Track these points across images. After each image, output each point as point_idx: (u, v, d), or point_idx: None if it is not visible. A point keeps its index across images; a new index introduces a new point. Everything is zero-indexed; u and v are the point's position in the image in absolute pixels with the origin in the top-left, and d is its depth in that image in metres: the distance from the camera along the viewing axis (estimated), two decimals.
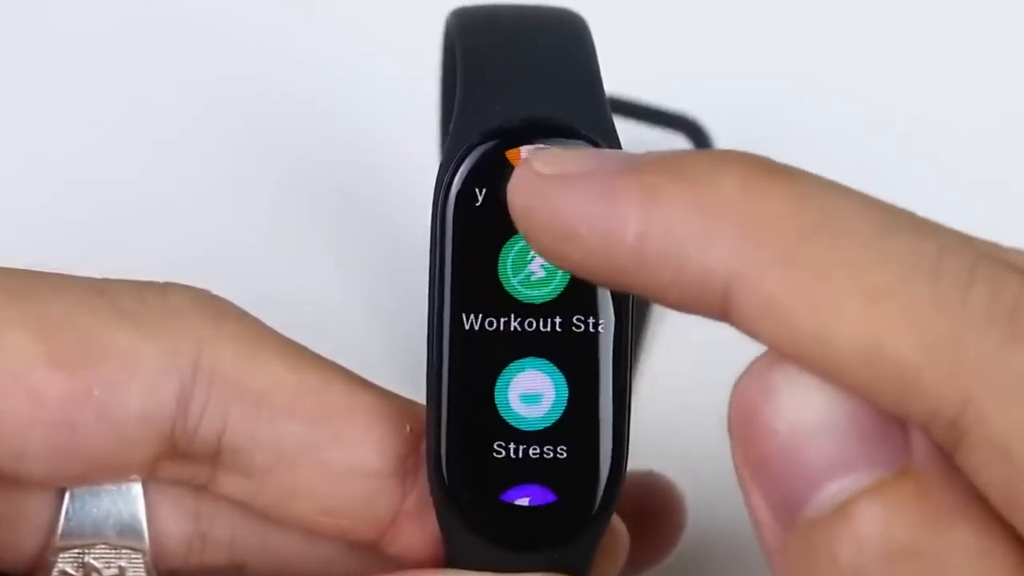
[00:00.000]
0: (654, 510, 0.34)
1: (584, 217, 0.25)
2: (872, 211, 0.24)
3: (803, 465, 0.24)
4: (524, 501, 0.29)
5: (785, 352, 0.24)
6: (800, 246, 0.24)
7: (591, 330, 0.29)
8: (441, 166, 0.29)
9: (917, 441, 0.24)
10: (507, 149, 0.28)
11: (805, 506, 0.24)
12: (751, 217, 0.24)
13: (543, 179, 0.25)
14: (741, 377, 0.25)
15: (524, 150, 0.28)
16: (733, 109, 0.46)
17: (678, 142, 0.44)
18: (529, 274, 0.29)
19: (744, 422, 0.25)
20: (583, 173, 0.25)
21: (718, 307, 0.24)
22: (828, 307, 0.23)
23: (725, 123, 0.45)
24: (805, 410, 0.24)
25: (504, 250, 0.29)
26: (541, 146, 0.28)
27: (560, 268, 0.26)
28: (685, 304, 0.25)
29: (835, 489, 0.24)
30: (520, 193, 0.26)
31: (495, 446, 0.29)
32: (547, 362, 0.29)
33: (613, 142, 0.29)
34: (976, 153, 0.47)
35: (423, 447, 0.30)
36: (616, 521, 0.31)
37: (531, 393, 0.29)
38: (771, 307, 0.24)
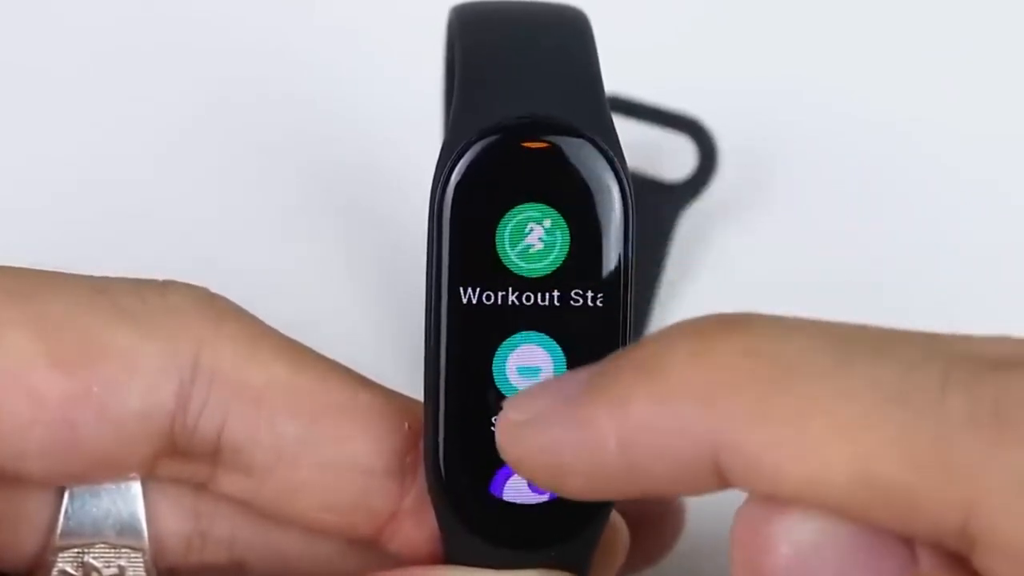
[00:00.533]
0: (653, 510, 0.34)
1: (567, 449, 0.26)
2: (827, 344, 0.25)
3: None
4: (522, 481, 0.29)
5: (784, 497, 0.25)
6: (767, 400, 0.24)
7: (589, 304, 0.29)
8: (439, 162, 0.29)
9: (923, 551, 0.24)
10: (504, 146, 0.29)
11: None
12: (711, 387, 0.25)
13: (520, 427, 0.27)
14: (745, 502, 0.25)
15: None
16: (734, 109, 0.46)
17: (679, 141, 0.44)
18: (527, 247, 0.29)
19: (747, 544, 0.25)
20: (551, 408, 0.26)
21: (716, 480, 0.25)
22: (811, 450, 0.24)
23: (726, 123, 0.45)
24: (809, 529, 0.25)
25: (501, 224, 0.29)
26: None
27: (571, 498, 0.27)
28: (689, 488, 0.26)
29: None
30: (507, 447, 0.27)
31: (493, 421, 0.29)
32: (545, 336, 0.29)
33: (611, 140, 0.29)
34: (976, 153, 0.47)
35: (421, 443, 0.30)
36: (616, 518, 0.31)
37: (529, 367, 0.29)
38: (758, 466, 0.24)
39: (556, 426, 0.26)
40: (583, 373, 0.27)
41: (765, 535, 0.25)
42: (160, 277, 0.31)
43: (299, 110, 0.47)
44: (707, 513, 0.36)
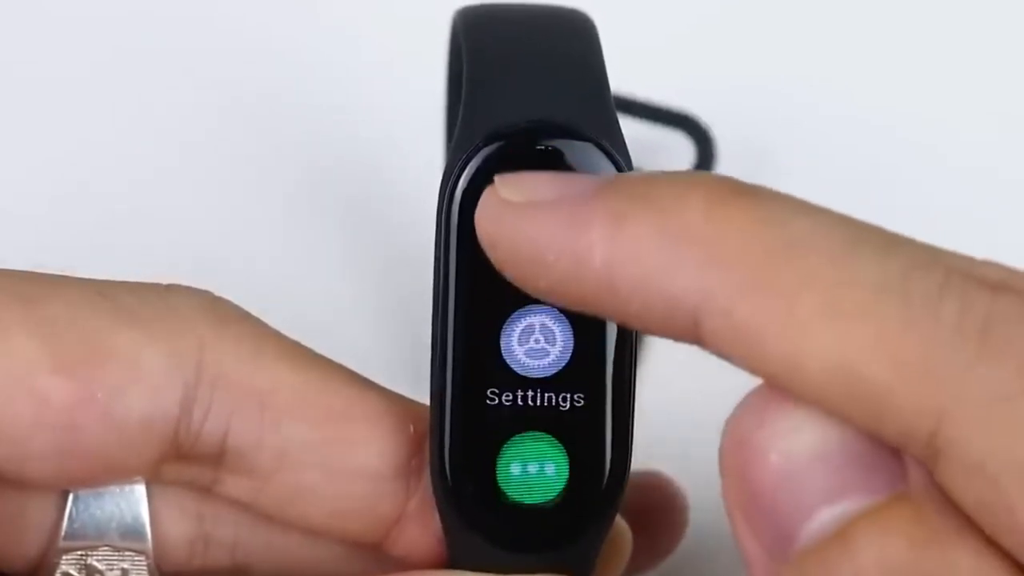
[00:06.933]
0: (656, 510, 0.34)
1: (551, 245, 0.25)
2: (839, 229, 0.24)
3: (797, 493, 0.24)
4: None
5: (758, 374, 0.24)
6: (766, 269, 0.24)
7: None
8: (446, 168, 0.29)
9: (913, 466, 0.24)
10: (512, 151, 0.29)
11: (799, 537, 0.24)
12: (716, 242, 0.24)
13: (510, 207, 0.26)
14: (734, 412, 0.25)
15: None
16: (735, 108, 0.47)
17: (679, 140, 0.45)
18: None
19: (736, 454, 0.25)
20: (549, 200, 0.25)
21: (689, 333, 0.24)
22: (797, 330, 0.23)
23: (726, 122, 0.45)
24: (798, 439, 0.24)
25: None
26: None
27: (531, 294, 0.26)
28: (656, 329, 0.25)
29: (829, 516, 0.24)
30: (487, 221, 0.26)
31: (497, 422, 0.29)
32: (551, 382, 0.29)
33: (619, 144, 0.29)
34: (976, 152, 0.47)
35: (427, 447, 0.30)
36: (620, 521, 0.31)
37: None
38: (741, 331, 0.24)
39: (547, 219, 0.25)
40: (589, 179, 0.26)
41: (754, 443, 0.24)
42: (162, 279, 0.31)
43: (301, 111, 0.47)
44: (709, 514, 0.36)
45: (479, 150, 0.28)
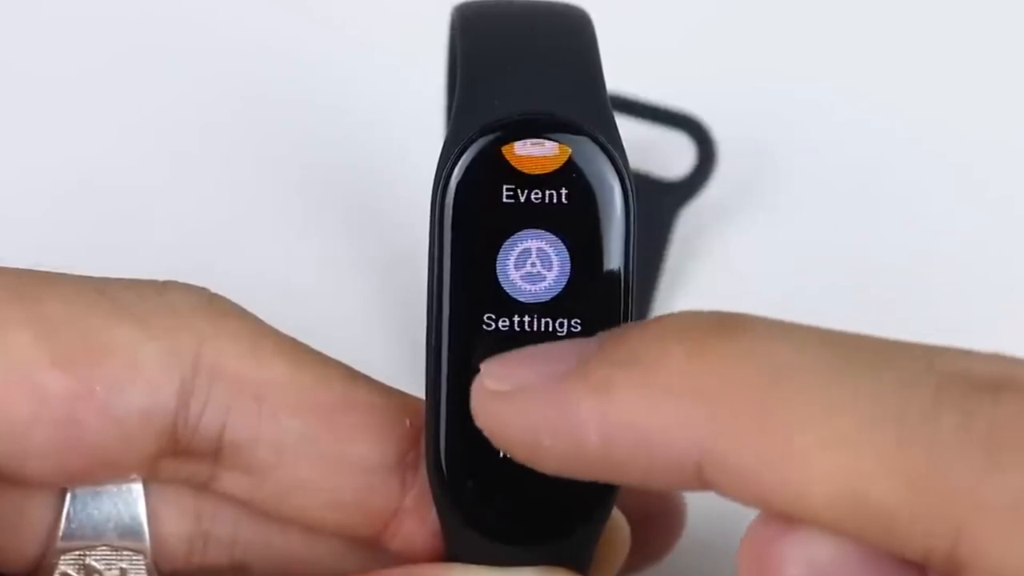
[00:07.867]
0: (653, 509, 0.34)
1: (545, 430, 0.25)
2: (824, 351, 0.24)
3: None
4: None
5: (768, 511, 0.24)
6: (756, 408, 0.24)
7: (591, 303, 0.29)
8: (440, 160, 0.29)
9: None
10: (503, 144, 0.29)
11: None
12: (702, 389, 0.24)
13: (498, 398, 0.26)
14: (752, 523, 0.25)
15: (518, 145, 0.28)
16: (733, 107, 0.47)
17: (679, 139, 0.44)
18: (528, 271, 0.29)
19: (754, 564, 0.25)
20: (532, 384, 0.25)
21: (698, 481, 0.24)
22: (797, 466, 0.23)
23: (726, 122, 0.45)
24: (816, 550, 0.24)
25: (504, 248, 0.29)
26: (535, 140, 0.28)
27: (543, 472, 0.26)
28: (667, 484, 0.25)
29: None
30: (481, 416, 0.26)
31: None
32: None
33: (613, 137, 0.29)
34: (976, 154, 0.47)
35: (423, 440, 0.30)
36: (617, 515, 0.31)
37: None
38: (742, 477, 0.24)
39: (536, 405, 0.25)
40: (569, 349, 0.26)
41: (773, 555, 0.24)
42: (162, 278, 0.31)
43: (301, 111, 0.47)
44: (709, 512, 0.36)
45: (473, 141, 0.28)
